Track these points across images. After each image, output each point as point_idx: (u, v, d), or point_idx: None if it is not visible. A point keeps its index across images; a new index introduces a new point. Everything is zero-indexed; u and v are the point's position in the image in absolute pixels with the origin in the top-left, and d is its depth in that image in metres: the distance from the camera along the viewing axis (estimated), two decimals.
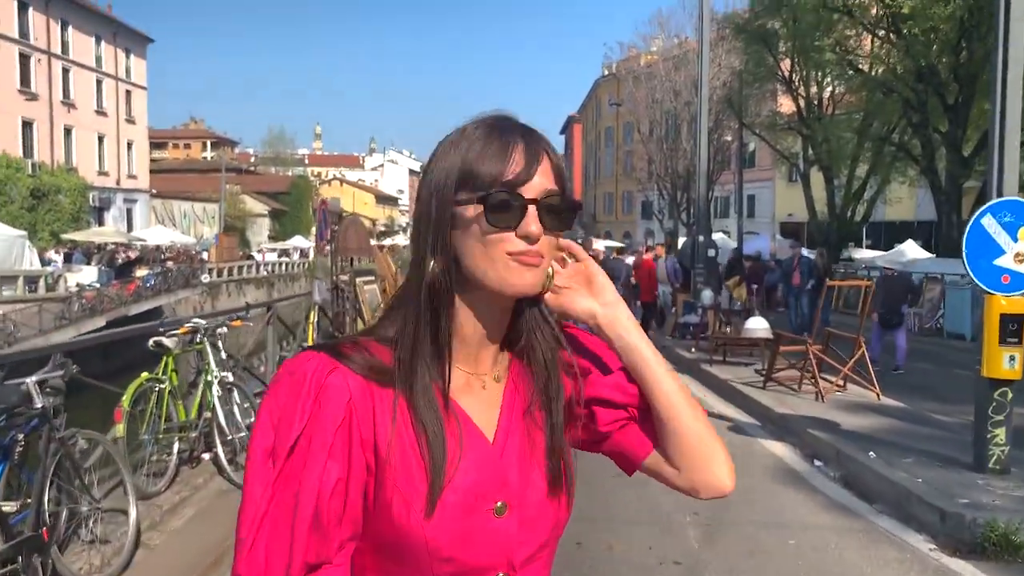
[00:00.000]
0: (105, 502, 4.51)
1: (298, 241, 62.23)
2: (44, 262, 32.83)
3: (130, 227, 49.51)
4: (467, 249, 1.02)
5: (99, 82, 49.44)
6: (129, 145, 53.05)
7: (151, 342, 5.70)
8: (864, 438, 7.38)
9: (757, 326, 11.31)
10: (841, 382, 9.64)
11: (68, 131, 46.02)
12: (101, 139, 49.43)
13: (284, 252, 60.56)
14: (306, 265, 52.14)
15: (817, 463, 7.12)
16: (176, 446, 5.80)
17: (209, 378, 5.90)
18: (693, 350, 12.89)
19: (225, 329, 6.16)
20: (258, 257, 53.93)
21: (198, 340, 5.94)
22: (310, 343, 9.76)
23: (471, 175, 1.01)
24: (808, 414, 8.45)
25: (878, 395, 9.32)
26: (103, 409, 5.61)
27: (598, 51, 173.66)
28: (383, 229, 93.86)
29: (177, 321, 6.23)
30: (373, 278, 14.26)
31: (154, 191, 57.01)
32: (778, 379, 10.01)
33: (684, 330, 14.80)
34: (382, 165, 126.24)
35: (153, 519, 5.09)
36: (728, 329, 12.83)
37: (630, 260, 18.17)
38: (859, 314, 10.35)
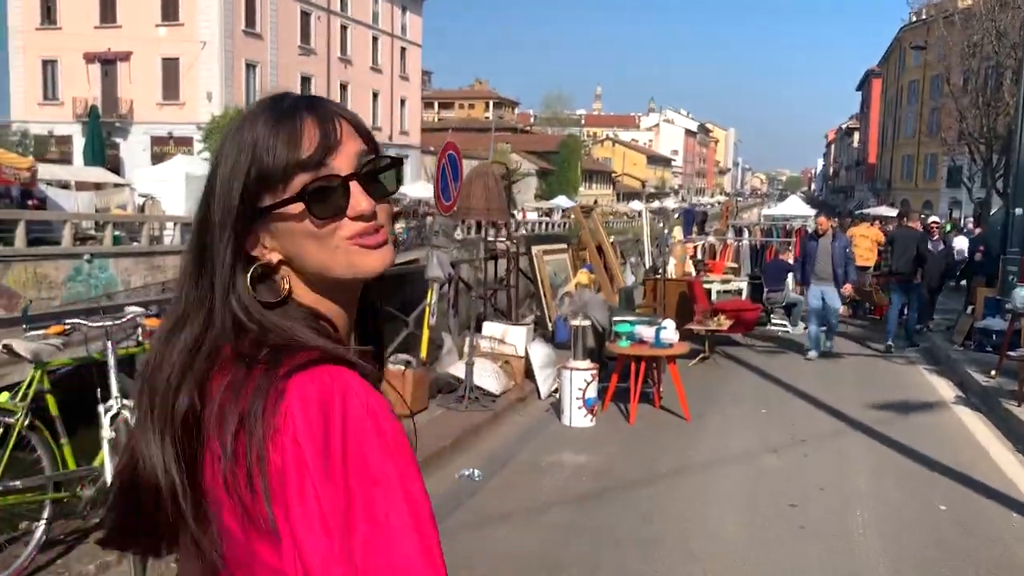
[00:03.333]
0: None
1: (561, 201, 60.94)
2: None
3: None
4: (299, 248, 0.93)
5: (375, 39, 50.68)
6: (402, 102, 54.26)
7: (0, 345, 3.51)
8: None
9: None
10: None
11: (344, 87, 47.56)
12: (375, 95, 50.75)
13: (547, 212, 59.53)
14: (566, 225, 50.66)
15: None
16: (46, 513, 3.61)
17: (112, 406, 3.63)
18: (993, 373, 8.94)
19: (141, 328, 3.86)
20: (519, 216, 53.25)
21: (97, 349, 3.68)
22: (425, 329, 7.37)
23: (270, 171, 0.90)
24: None
25: None
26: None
27: None
28: (652, 191, 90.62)
29: (46, 316, 4.00)
30: (563, 246, 11.64)
31: (431, 148, 58.17)
32: None
33: (985, 339, 10.70)
34: (657, 125, 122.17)
35: None
36: None
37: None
38: None
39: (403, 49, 54.06)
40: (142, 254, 23.58)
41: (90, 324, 3.68)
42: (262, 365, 0.86)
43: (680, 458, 6.21)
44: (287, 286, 0.93)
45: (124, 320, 3.73)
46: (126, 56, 39.34)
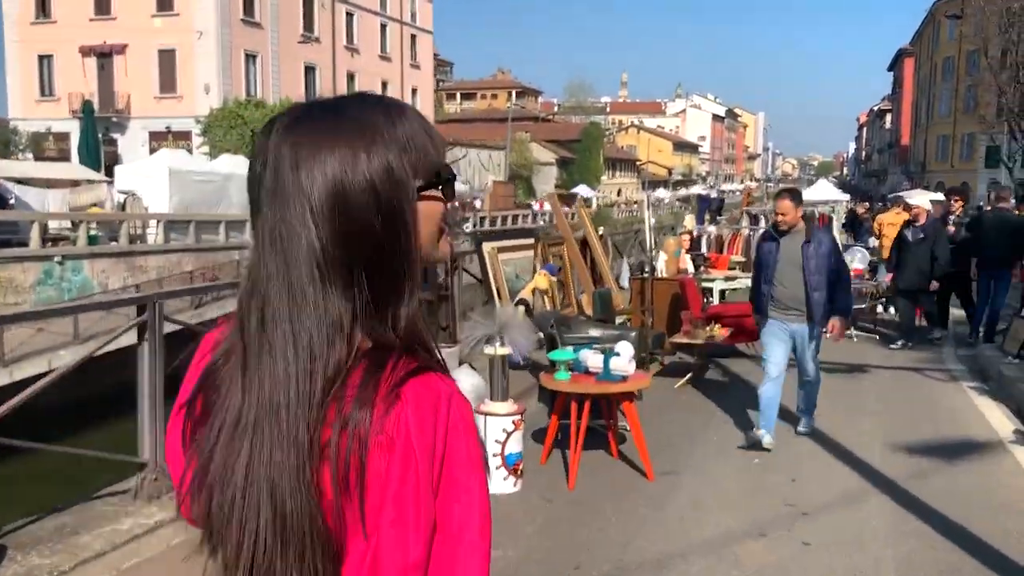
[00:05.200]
0: None
1: (581, 190, 58.95)
2: None
3: None
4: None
5: (383, 26, 48.95)
6: (414, 91, 52.46)
7: None
8: None
9: None
10: None
11: (351, 76, 45.91)
12: (384, 85, 48.99)
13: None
14: (573, 216, 48.70)
15: None
16: None
17: None
18: None
19: None
20: (536, 207, 51.33)
21: None
22: None
23: (425, 162, 0.97)
24: None
25: None
26: None
27: None
28: (679, 178, 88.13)
29: None
30: (528, 242, 9.78)
31: (450, 140, 56.35)
32: None
33: None
34: (683, 111, 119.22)
35: None
36: None
37: None
38: None
39: (413, 36, 52.32)
40: (121, 254, 22.02)
41: None
42: (388, 361, 0.87)
43: (625, 549, 4.34)
44: None
45: None
46: (122, 49, 38.03)
